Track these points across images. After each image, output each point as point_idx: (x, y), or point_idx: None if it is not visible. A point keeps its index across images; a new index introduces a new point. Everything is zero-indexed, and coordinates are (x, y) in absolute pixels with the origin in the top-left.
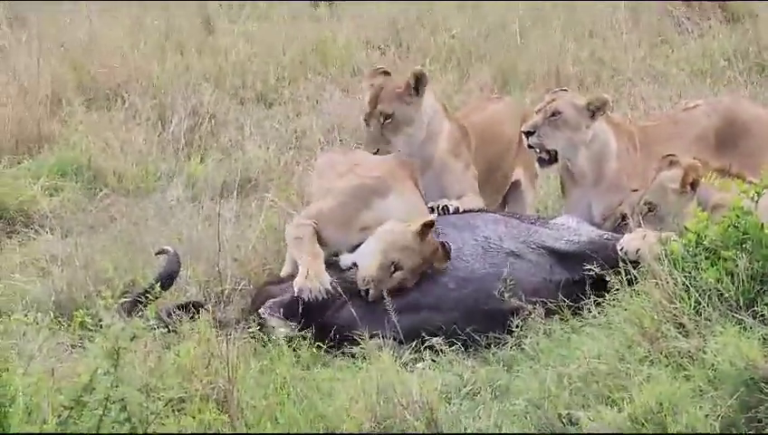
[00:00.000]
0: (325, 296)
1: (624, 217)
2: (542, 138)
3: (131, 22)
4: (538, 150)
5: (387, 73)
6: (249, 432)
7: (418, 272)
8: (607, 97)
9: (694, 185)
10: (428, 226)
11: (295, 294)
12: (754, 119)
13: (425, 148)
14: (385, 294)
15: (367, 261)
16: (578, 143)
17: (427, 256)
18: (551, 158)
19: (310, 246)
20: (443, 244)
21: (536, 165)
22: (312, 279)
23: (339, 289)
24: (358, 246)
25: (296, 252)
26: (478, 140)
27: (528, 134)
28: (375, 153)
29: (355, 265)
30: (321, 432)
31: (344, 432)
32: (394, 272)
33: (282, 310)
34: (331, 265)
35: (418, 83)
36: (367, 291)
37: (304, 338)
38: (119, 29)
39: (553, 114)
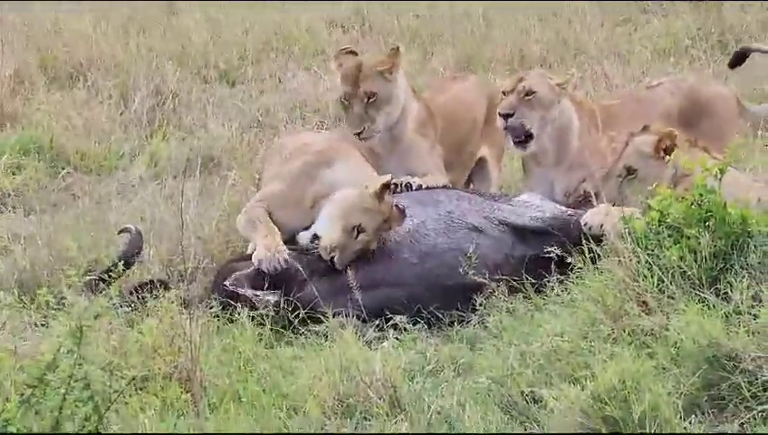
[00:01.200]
0: (284, 266)
1: (587, 194)
2: (520, 118)
3: (95, 5)
4: (515, 132)
5: (354, 53)
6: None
7: (379, 233)
8: (573, 72)
9: (668, 151)
10: (386, 186)
11: (255, 266)
12: (718, 98)
13: (396, 126)
14: (348, 269)
15: (327, 228)
16: (549, 122)
17: (386, 217)
18: (526, 138)
19: (264, 224)
20: (396, 205)
21: (512, 147)
22: (270, 250)
23: (297, 265)
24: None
25: (252, 233)
26: (444, 119)
27: (507, 116)
28: (360, 133)
29: (316, 236)
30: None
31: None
32: (357, 235)
33: (247, 280)
34: (293, 243)
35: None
36: (332, 260)
37: (277, 312)
38: (83, 14)
39: (527, 93)
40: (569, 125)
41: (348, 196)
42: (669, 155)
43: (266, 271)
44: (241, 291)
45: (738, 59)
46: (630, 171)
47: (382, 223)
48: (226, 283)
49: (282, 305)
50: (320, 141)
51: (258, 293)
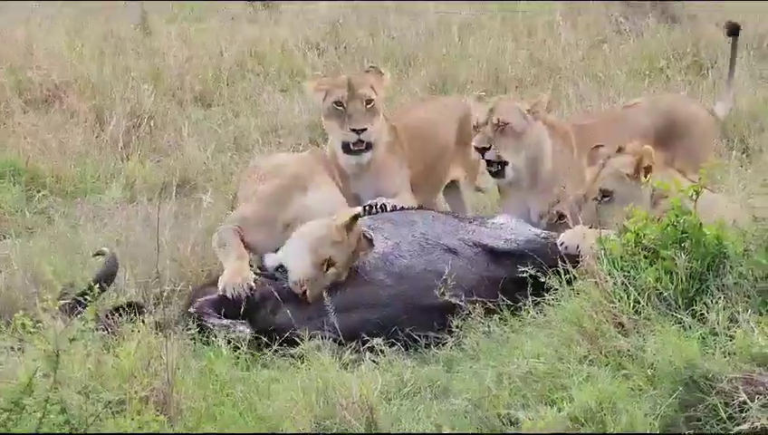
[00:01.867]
0: (249, 293)
1: (561, 216)
2: (497, 150)
3: (69, 25)
4: (492, 164)
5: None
6: (188, 433)
7: (348, 265)
8: (542, 96)
9: (647, 171)
10: (355, 218)
11: (219, 291)
12: (694, 118)
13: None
14: (324, 293)
15: (297, 262)
16: (523, 148)
17: (355, 248)
18: (502, 167)
19: (235, 248)
20: (363, 234)
21: (489, 178)
22: (235, 276)
23: (273, 291)
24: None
25: (222, 256)
26: (415, 140)
27: (483, 150)
28: (362, 130)
29: (282, 267)
30: (260, 433)
31: (284, 433)
32: (328, 268)
33: (213, 308)
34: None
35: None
36: (304, 293)
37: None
38: (57, 33)
39: (500, 124)
40: (541, 149)
41: (316, 229)
42: (646, 176)
43: (230, 297)
44: (213, 322)
45: (734, 29)
46: (606, 194)
47: (351, 255)
48: (190, 309)
49: (253, 333)
50: (294, 164)
51: (229, 323)
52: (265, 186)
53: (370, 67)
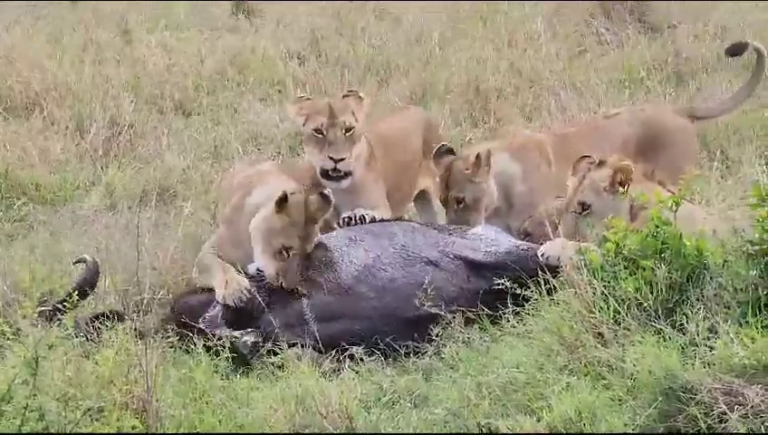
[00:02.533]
0: (248, 296)
1: (526, 233)
2: (467, 216)
3: (49, 33)
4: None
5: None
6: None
7: (310, 234)
8: (484, 152)
9: (623, 184)
10: (281, 199)
11: (221, 304)
12: (676, 128)
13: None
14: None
15: (262, 260)
16: (488, 194)
17: (304, 221)
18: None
19: (218, 265)
20: (320, 193)
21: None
22: (231, 285)
23: (257, 296)
24: None
25: (208, 277)
26: (386, 150)
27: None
28: (340, 160)
29: (259, 270)
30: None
31: (261, 433)
32: (288, 253)
33: (222, 321)
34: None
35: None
36: (281, 285)
37: (258, 350)
38: (36, 40)
39: (459, 202)
40: (507, 176)
41: (258, 221)
42: (625, 189)
43: (233, 305)
44: (219, 332)
45: (737, 50)
46: (585, 206)
47: (302, 229)
48: (201, 325)
49: (260, 341)
50: (246, 172)
51: (236, 334)
52: (228, 205)
53: (349, 92)
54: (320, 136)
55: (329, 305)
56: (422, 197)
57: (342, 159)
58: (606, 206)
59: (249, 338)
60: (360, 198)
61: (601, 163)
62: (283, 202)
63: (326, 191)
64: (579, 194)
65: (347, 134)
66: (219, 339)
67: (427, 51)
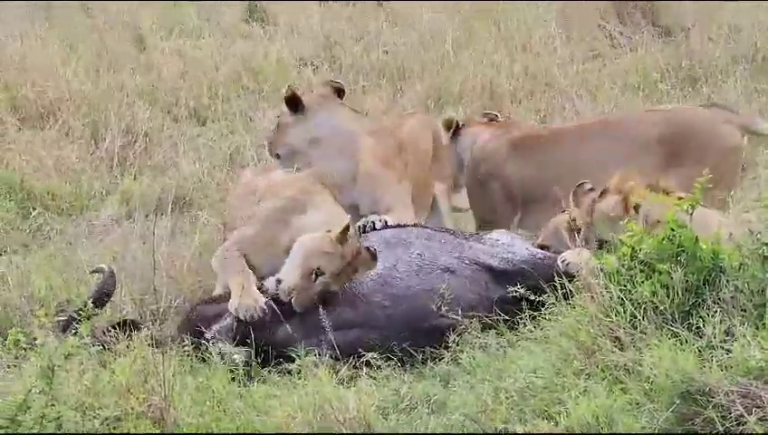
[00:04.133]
0: (261, 314)
1: (543, 247)
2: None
3: (62, 40)
4: None
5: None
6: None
7: (344, 277)
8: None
9: (637, 207)
10: (346, 229)
11: (233, 315)
12: (714, 134)
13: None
14: (319, 309)
15: (288, 272)
16: None
17: (349, 260)
18: None
19: (239, 269)
20: (367, 248)
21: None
22: (246, 298)
23: (274, 306)
24: None
25: (226, 277)
26: (409, 154)
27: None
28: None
29: (279, 281)
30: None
31: (285, 432)
32: (316, 278)
33: (227, 335)
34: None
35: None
36: (291, 301)
37: (258, 363)
38: (50, 48)
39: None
40: None
41: (308, 240)
42: (636, 211)
43: (244, 319)
44: (219, 347)
45: None
46: (603, 242)
47: (345, 266)
48: (207, 335)
49: (251, 359)
50: (292, 184)
51: (227, 350)
52: (264, 207)
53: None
54: None
55: (343, 314)
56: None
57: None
58: (622, 229)
59: (239, 356)
60: (377, 194)
61: (603, 193)
62: (346, 232)
63: (374, 249)
64: (593, 232)
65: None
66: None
67: (441, 55)
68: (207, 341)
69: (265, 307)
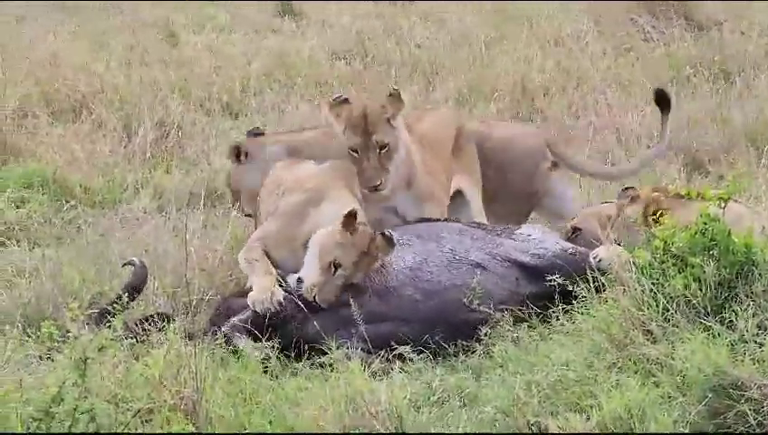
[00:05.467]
0: (278, 308)
1: (575, 229)
2: None
3: (92, 37)
4: None
5: (347, 101)
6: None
7: (363, 266)
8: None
9: (656, 214)
10: (350, 216)
11: (251, 309)
12: None
13: (404, 169)
14: (352, 303)
15: (308, 270)
16: None
17: (364, 248)
18: None
19: (262, 265)
20: (383, 233)
21: None
22: (264, 292)
23: (297, 301)
24: None
25: (250, 274)
26: (429, 149)
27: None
28: (376, 187)
29: (300, 280)
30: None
31: (315, 433)
32: (335, 271)
33: (244, 328)
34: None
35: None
36: (315, 298)
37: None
38: (80, 45)
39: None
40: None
41: (320, 235)
42: (659, 219)
43: (260, 312)
44: (236, 343)
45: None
46: (618, 242)
47: (362, 255)
48: (224, 329)
49: (271, 355)
50: (312, 178)
51: (242, 345)
52: (285, 202)
53: (393, 90)
54: (355, 155)
55: (374, 307)
56: (457, 196)
57: (376, 186)
58: (638, 240)
59: (257, 353)
60: (424, 203)
61: (633, 199)
62: (350, 219)
63: (389, 233)
64: (611, 230)
65: (382, 152)
66: (234, 346)
67: (473, 51)
68: (224, 335)
69: (282, 301)
